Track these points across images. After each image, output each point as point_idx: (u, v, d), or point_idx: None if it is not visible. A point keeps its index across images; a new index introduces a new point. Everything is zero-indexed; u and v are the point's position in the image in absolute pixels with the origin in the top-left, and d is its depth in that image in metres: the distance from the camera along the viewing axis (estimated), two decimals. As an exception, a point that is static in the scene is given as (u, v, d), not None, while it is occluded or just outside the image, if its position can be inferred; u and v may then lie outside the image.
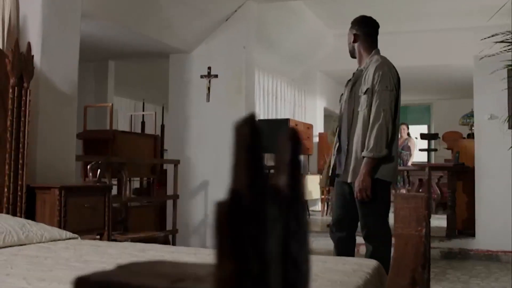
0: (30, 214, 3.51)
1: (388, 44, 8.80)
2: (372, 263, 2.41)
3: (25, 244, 2.80)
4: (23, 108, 3.47)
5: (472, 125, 6.92)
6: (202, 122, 6.95)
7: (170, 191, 6.54)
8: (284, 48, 8.36)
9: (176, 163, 5.88)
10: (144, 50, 6.96)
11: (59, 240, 3.00)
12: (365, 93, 3.32)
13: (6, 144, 3.39)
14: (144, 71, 7.58)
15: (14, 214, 3.40)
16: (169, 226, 6.14)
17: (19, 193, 3.45)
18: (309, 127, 8.08)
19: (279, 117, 8.42)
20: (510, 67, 5.59)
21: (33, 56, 3.56)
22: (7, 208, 3.38)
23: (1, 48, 3.45)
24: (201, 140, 6.93)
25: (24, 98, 3.48)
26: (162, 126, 6.95)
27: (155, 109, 8.06)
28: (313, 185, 7.84)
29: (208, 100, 6.97)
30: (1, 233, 2.70)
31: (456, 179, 6.06)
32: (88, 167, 4.21)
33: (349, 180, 3.35)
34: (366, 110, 3.31)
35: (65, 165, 4.11)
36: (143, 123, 6.72)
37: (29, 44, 3.55)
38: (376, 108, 3.29)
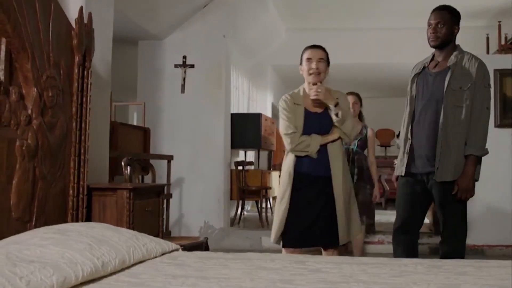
0: (87, 221, 2.90)
1: (334, 39, 8.91)
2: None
3: (147, 260, 2.27)
4: (85, 93, 2.85)
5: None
6: (176, 115, 6.43)
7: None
8: (242, 38, 8.03)
9: (169, 159, 5.34)
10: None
11: (168, 253, 2.48)
12: (468, 88, 3.16)
13: (71, 136, 2.75)
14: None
15: (76, 221, 2.79)
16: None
17: (81, 195, 2.83)
18: (273, 122, 7.84)
19: (240, 110, 8.07)
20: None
21: (93, 29, 2.95)
22: (71, 214, 2.75)
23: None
24: (175, 134, 6.41)
25: (86, 80, 2.86)
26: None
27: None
28: (276, 182, 7.63)
29: (183, 91, 6.46)
30: (129, 247, 2.15)
31: (439, 176, 6.18)
32: (123, 163, 3.62)
33: (449, 178, 3.17)
34: (469, 106, 3.16)
35: (100, 161, 3.49)
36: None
37: (90, 15, 2.92)
38: (481, 106, 3.16)
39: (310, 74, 3.14)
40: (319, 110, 3.14)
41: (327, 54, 3.25)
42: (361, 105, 4.85)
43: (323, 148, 3.10)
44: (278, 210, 3.14)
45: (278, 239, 3.12)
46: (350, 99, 4.55)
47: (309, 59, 3.16)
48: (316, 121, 3.12)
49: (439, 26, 3.21)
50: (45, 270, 1.58)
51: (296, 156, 3.11)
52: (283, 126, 3.14)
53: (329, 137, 3.11)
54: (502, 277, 1.96)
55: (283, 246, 3.10)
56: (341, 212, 3.09)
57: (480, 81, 3.17)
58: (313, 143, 3.06)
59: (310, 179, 3.11)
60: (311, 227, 3.07)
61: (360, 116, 4.92)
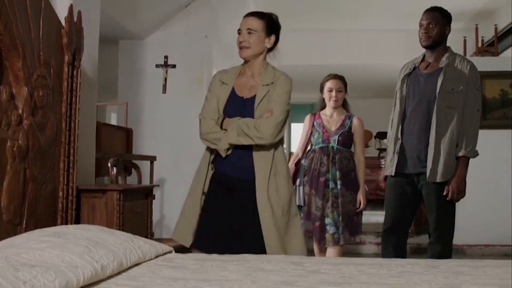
0: (76, 223, 2.85)
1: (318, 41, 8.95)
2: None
3: (142, 262, 2.23)
4: (74, 92, 2.80)
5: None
6: (158, 115, 6.36)
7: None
8: (223, 38, 8.00)
9: (152, 159, 5.28)
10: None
11: (161, 255, 2.45)
12: (460, 90, 3.20)
13: (61, 136, 2.70)
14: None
15: (65, 223, 2.73)
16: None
17: (70, 197, 2.77)
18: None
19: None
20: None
21: (83, 28, 2.89)
22: (61, 216, 2.69)
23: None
24: (157, 135, 6.34)
25: (75, 79, 2.80)
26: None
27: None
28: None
29: (164, 91, 6.39)
30: (125, 250, 2.12)
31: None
32: (109, 164, 3.57)
33: (438, 180, 3.21)
34: (461, 108, 3.20)
35: (86, 162, 3.43)
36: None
37: (79, 14, 2.87)
38: (473, 108, 3.22)
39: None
40: (247, 95, 2.54)
41: (267, 24, 2.59)
42: (346, 91, 3.98)
43: (248, 148, 2.53)
44: (190, 204, 2.73)
45: (184, 237, 2.76)
46: (334, 84, 3.90)
47: (238, 30, 2.61)
48: (240, 107, 2.54)
49: (430, 26, 3.25)
50: (47, 274, 1.54)
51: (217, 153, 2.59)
52: (202, 107, 2.62)
53: (241, 139, 2.49)
54: (500, 277, 1.98)
55: (193, 247, 2.70)
56: (268, 227, 2.49)
57: (472, 83, 3.22)
58: (225, 139, 2.51)
59: (232, 182, 2.59)
60: (233, 239, 2.53)
61: (345, 105, 4.01)
